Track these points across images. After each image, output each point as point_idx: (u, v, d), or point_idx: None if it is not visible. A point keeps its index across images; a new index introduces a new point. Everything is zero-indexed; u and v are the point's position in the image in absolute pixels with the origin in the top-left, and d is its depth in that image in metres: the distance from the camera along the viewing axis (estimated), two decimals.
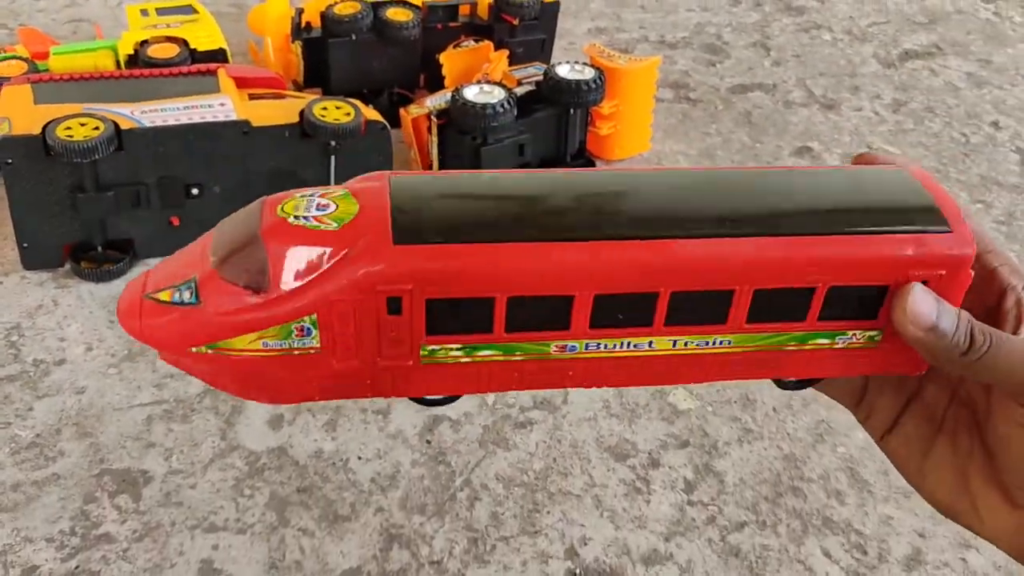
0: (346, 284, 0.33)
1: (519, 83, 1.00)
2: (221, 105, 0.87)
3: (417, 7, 1.08)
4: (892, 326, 0.37)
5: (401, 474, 0.71)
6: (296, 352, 0.34)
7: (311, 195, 0.35)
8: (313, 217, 0.34)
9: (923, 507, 0.42)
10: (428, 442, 0.73)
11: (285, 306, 0.34)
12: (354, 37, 1.04)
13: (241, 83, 0.93)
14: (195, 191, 0.87)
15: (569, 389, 0.78)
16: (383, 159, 0.93)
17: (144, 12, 1.07)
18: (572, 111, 0.99)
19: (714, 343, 0.37)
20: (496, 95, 0.93)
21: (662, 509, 0.70)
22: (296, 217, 0.34)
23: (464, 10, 1.12)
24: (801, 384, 0.41)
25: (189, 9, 1.08)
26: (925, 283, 0.36)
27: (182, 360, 0.36)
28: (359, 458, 0.72)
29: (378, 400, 0.76)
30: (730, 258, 0.35)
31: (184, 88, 0.90)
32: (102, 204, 0.84)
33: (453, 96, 0.93)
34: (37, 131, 0.81)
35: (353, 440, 0.73)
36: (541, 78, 0.98)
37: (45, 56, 1.02)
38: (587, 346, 0.36)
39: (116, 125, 0.82)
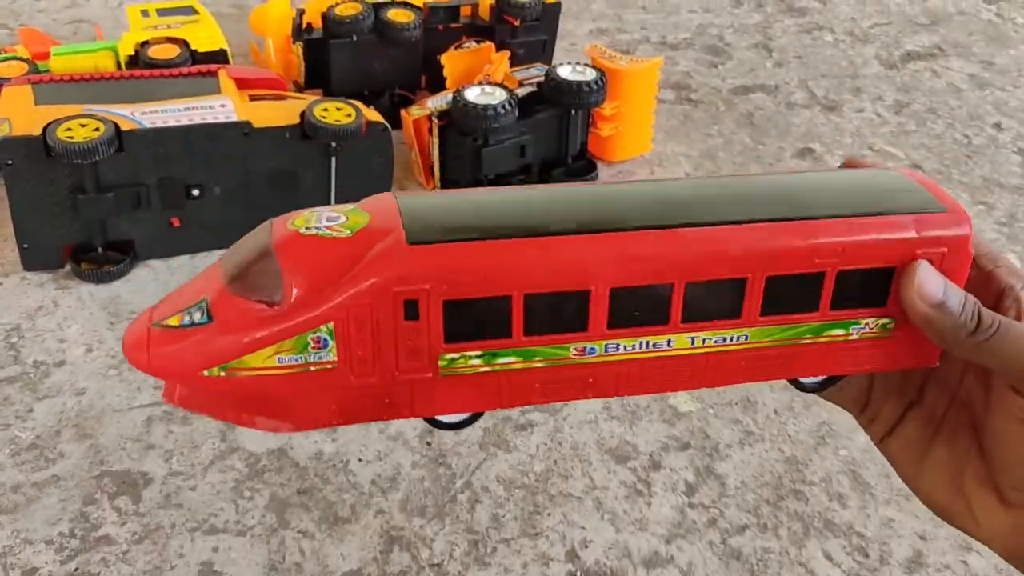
0: (362, 288, 0.33)
1: (520, 84, 1.00)
2: (222, 106, 0.87)
3: (418, 8, 1.08)
4: (901, 306, 0.37)
5: (401, 476, 0.71)
6: (312, 368, 0.34)
7: (319, 210, 0.35)
8: (325, 227, 0.34)
9: (924, 510, 0.42)
10: (428, 444, 0.73)
11: (301, 316, 0.33)
12: (355, 38, 1.04)
13: (242, 84, 0.93)
14: (196, 192, 0.87)
15: None
16: (384, 160, 0.93)
17: (145, 13, 1.07)
18: (573, 112, 0.98)
19: (731, 339, 0.37)
20: (497, 96, 0.93)
21: (663, 511, 0.70)
22: (308, 228, 0.34)
23: (465, 11, 1.12)
24: (822, 384, 0.41)
25: (190, 10, 1.08)
26: (930, 263, 0.37)
27: (192, 396, 0.35)
28: (359, 460, 0.72)
29: None
30: (740, 243, 0.35)
31: (185, 89, 0.89)
32: (102, 205, 0.84)
33: (454, 97, 0.93)
34: (37, 132, 0.80)
35: (353, 442, 0.73)
36: (542, 79, 0.98)
37: (46, 57, 1.01)
38: (606, 348, 0.36)
39: (116, 126, 0.82)
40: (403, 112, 1.01)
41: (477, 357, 0.35)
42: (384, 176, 0.94)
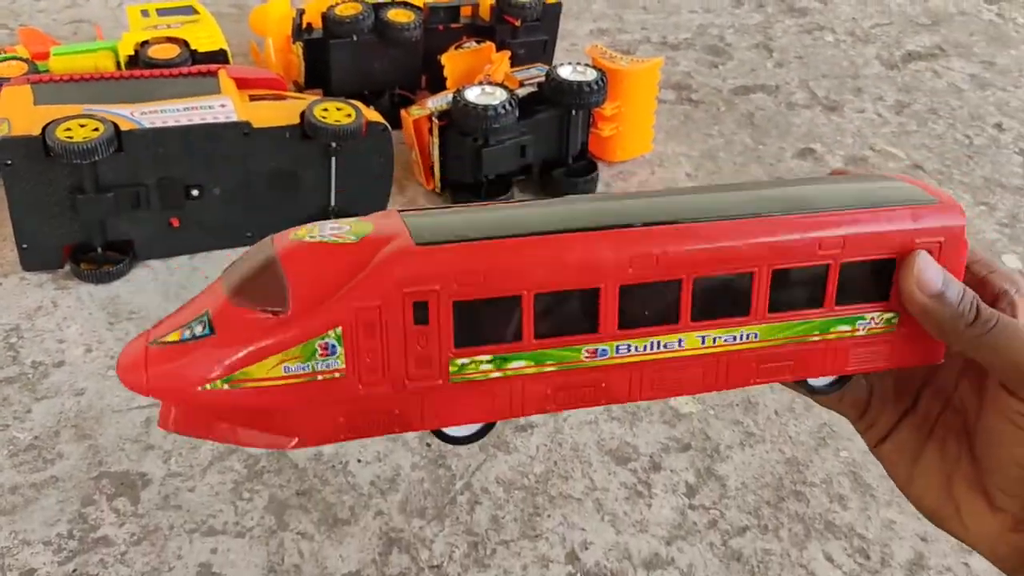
0: (371, 290, 0.32)
1: (521, 84, 1.00)
2: (221, 106, 0.87)
3: (419, 8, 1.07)
4: (902, 297, 0.38)
5: (401, 477, 0.70)
6: (320, 377, 0.33)
7: (321, 223, 0.35)
8: (330, 234, 0.34)
9: None
10: (428, 445, 0.73)
11: (308, 321, 0.32)
12: (355, 38, 1.04)
13: (242, 84, 0.93)
14: (195, 192, 0.87)
15: None
16: (384, 161, 0.93)
17: (145, 13, 1.07)
18: (574, 112, 0.98)
19: (741, 337, 0.37)
20: (498, 96, 0.92)
21: (663, 513, 0.69)
22: (312, 236, 0.34)
23: (466, 11, 1.12)
24: (832, 386, 0.41)
25: (190, 10, 1.08)
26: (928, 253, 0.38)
27: (190, 418, 0.33)
28: (359, 461, 0.72)
29: None
30: (746, 236, 0.36)
31: (184, 89, 0.89)
32: (102, 205, 0.84)
33: (455, 97, 0.93)
34: (37, 132, 0.80)
35: (353, 443, 0.73)
36: (543, 79, 0.98)
37: (45, 57, 1.01)
38: (618, 349, 0.36)
39: (116, 126, 0.82)
40: (403, 112, 1.00)
41: (488, 362, 0.35)
42: (384, 176, 0.94)
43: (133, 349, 0.34)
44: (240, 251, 0.37)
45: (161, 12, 1.07)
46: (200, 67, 0.95)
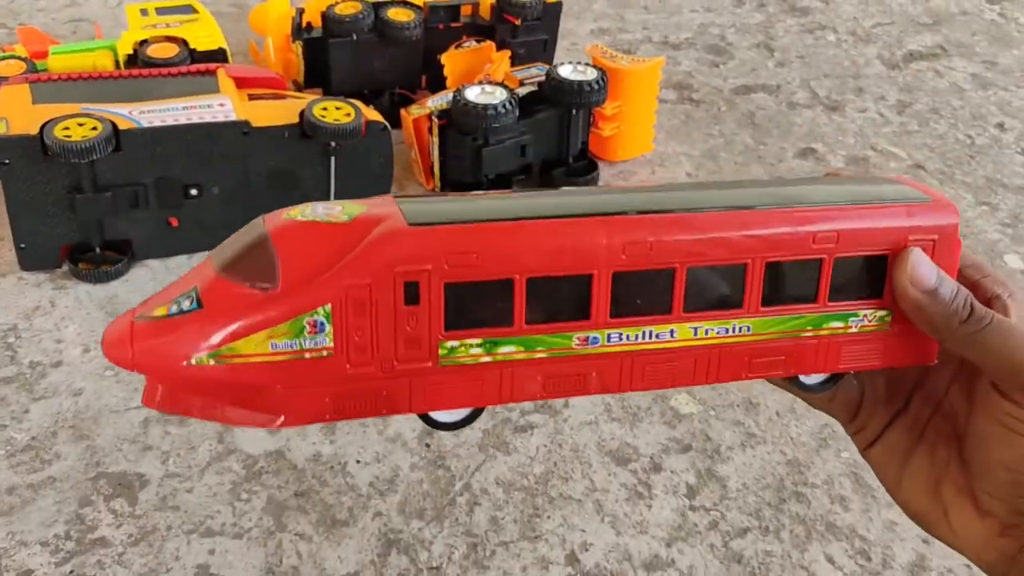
0: (362, 268, 0.32)
1: (521, 84, 1.00)
2: (220, 105, 0.87)
3: (418, 7, 1.07)
4: (895, 293, 0.38)
5: (400, 478, 0.70)
6: (307, 355, 0.33)
7: (314, 204, 0.35)
8: (323, 213, 0.33)
9: None
10: (427, 446, 0.73)
11: (297, 297, 0.32)
12: (355, 37, 1.03)
13: (241, 83, 0.93)
14: (194, 192, 0.87)
15: None
16: (383, 160, 0.92)
17: (144, 12, 1.06)
18: (574, 112, 0.98)
19: (734, 330, 0.37)
20: (498, 96, 0.92)
21: (664, 514, 0.69)
22: (305, 215, 0.33)
23: (466, 10, 1.12)
24: (825, 385, 0.41)
25: (189, 9, 1.08)
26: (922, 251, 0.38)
27: (175, 396, 0.33)
28: (357, 462, 0.71)
29: None
30: (740, 227, 0.36)
31: (183, 88, 0.89)
32: (100, 205, 0.84)
33: (454, 96, 0.92)
34: (34, 131, 0.80)
35: (352, 443, 0.72)
36: (543, 79, 0.98)
37: (44, 56, 1.01)
38: (609, 337, 0.36)
39: (114, 125, 0.81)
40: (403, 111, 1.00)
41: (478, 346, 0.34)
42: (384, 176, 0.94)
43: (119, 324, 0.33)
44: None
45: (160, 11, 1.07)
46: (199, 66, 0.94)
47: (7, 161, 0.80)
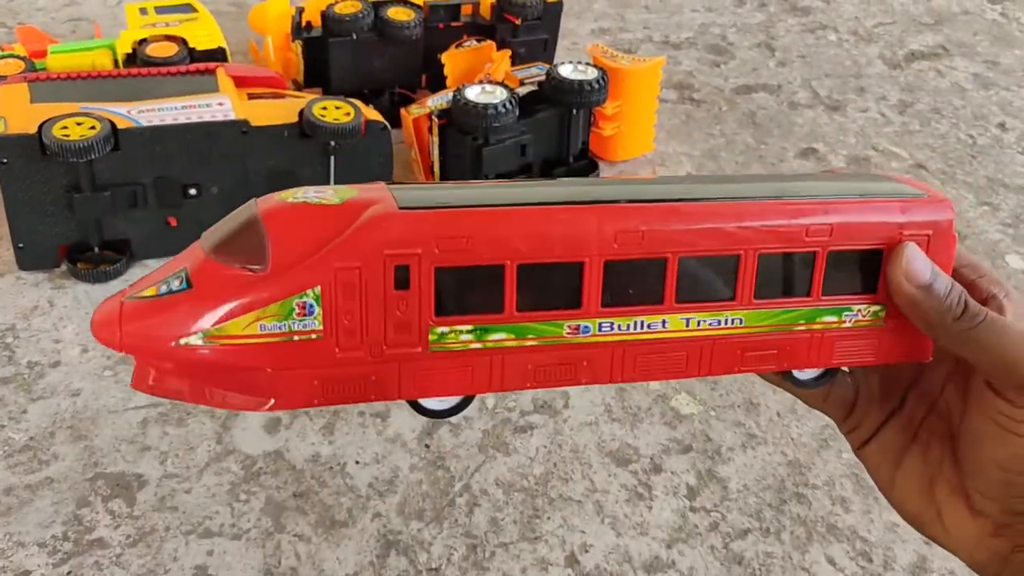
0: (352, 250, 0.32)
1: (521, 83, 0.99)
2: (219, 104, 0.86)
3: (419, 6, 1.07)
4: (889, 288, 0.38)
5: (399, 479, 0.70)
6: (296, 337, 0.32)
7: (306, 188, 0.35)
8: (314, 195, 0.33)
9: None
10: (427, 446, 0.73)
11: (287, 279, 0.32)
12: (355, 36, 1.03)
13: (240, 82, 0.93)
14: (192, 191, 0.87)
15: (570, 392, 0.78)
16: (383, 159, 0.92)
17: (143, 11, 1.06)
18: (575, 111, 0.98)
19: (726, 322, 0.37)
20: (498, 95, 0.92)
21: (664, 515, 0.69)
22: (296, 198, 0.33)
23: (466, 10, 1.12)
24: (818, 380, 0.41)
25: (188, 8, 1.08)
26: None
27: (165, 378, 0.33)
28: (357, 462, 0.71)
29: (377, 403, 0.75)
30: (733, 217, 0.36)
31: (182, 87, 0.89)
32: (98, 204, 0.84)
33: (455, 96, 0.92)
34: (33, 130, 0.80)
35: (351, 444, 0.72)
36: (543, 78, 0.97)
37: (43, 55, 1.01)
38: (600, 327, 0.35)
39: (113, 124, 0.81)
40: (403, 111, 1.00)
41: (468, 332, 0.34)
42: (383, 175, 0.93)
43: (108, 305, 0.33)
44: None
45: (159, 10, 1.07)
46: (198, 65, 0.94)
47: (5, 160, 0.80)
